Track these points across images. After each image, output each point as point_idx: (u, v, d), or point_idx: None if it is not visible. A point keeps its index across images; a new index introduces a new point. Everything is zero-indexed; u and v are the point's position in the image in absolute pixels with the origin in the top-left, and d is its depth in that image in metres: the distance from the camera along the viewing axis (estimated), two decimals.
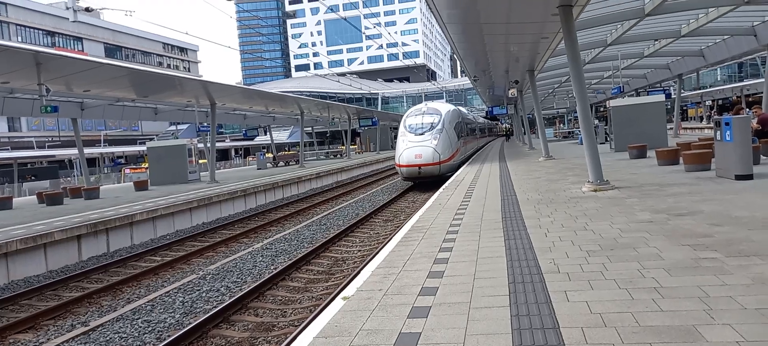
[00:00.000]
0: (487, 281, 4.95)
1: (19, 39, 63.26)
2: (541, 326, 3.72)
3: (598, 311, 3.90)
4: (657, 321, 3.61)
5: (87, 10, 15.90)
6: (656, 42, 23.48)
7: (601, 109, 54.08)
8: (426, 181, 19.93)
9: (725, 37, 21.96)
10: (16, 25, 65.15)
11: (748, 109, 16.42)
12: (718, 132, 10.42)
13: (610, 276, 4.73)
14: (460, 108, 30.17)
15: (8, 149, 46.51)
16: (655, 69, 32.09)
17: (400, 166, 19.97)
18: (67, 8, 16.08)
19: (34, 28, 67.58)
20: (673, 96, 32.75)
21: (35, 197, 21.99)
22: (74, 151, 34.29)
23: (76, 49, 69.78)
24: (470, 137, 30.73)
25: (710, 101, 56.85)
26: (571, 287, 4.53)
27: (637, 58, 27.00)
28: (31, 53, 14.02)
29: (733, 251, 5.16)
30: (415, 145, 19.79)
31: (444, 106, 23.09)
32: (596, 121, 32.60)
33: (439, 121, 20.86)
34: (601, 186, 10.51)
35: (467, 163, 24.02)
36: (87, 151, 33.84)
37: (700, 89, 52.41)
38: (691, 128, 40.85)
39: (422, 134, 20.27)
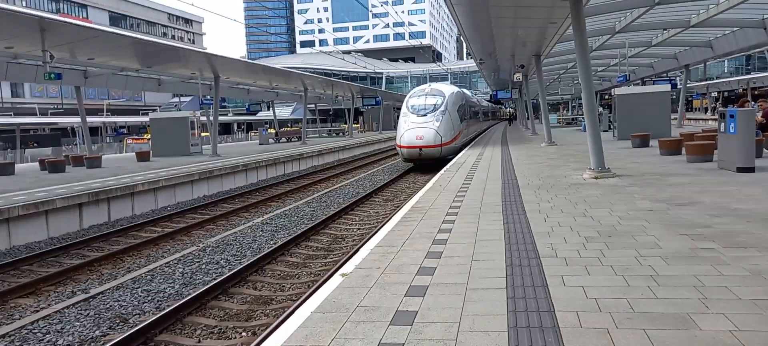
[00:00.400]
0: (485, 262, 4.99)
1: (24, 3, 62.83)
2: (537, 308, 3.76)
3: (594, 296, 3.94)
4: (652, 308, 3.64)
5: None
6: (665, 31, 23.28)
7: (606, 96, 53.80)
8: (427, 163, 19.73)
9: (734, 28, 21.77)
10: None
11: (753, 103, 16.35)
12: (722, 124, 10.39)
13: (607, 263, 4.76)
14: (464, 90, 29.75)
15: (11, 115, 46.50)
16: (663, 58, 31.86)
17: (400, 146, 19.70)
18: None
19: None
20: (679, 86, 32.56)
21: (37, 163, 22.04)
22: (77, 119, 34.26)
23: (81, 17, 69.34)
24: (473, 120, 30.27)
25: (716, 93, 56.50)
26: (568, 272, 4.57)
27: (644, 46, 26.81)
28: (36, 18, 13.95)
29: (731, 242, 5.18)
30: (416, 126, 19.50)
31: (448, 88, 22.80)
32: (601, 109, 32.48)
33: (443, 102, 20.56)
34: (603, 173, 10.52)
35: (470, 146, 23.81)
36: (90, 119, 33.83)
37: (706, 80, 52.07)
38: (696, 119, 40.68)
39: (424, 115, 19.97)
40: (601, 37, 23.03)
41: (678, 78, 35.58)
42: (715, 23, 19.98)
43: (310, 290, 6.64)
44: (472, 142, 26.65)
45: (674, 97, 32.36)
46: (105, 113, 53.79)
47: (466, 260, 5.09)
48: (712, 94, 57.90)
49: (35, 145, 38.21)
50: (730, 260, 4.62)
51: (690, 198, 7.65)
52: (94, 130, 42.08)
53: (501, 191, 9.36)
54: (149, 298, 7.00)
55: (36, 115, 49.48)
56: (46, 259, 9.62)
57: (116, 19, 78.63)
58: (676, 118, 30.15)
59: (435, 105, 20.43)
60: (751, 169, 9.82)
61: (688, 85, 34.64)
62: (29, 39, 15.28)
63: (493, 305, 3.89)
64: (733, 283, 4.06)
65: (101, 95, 63.54)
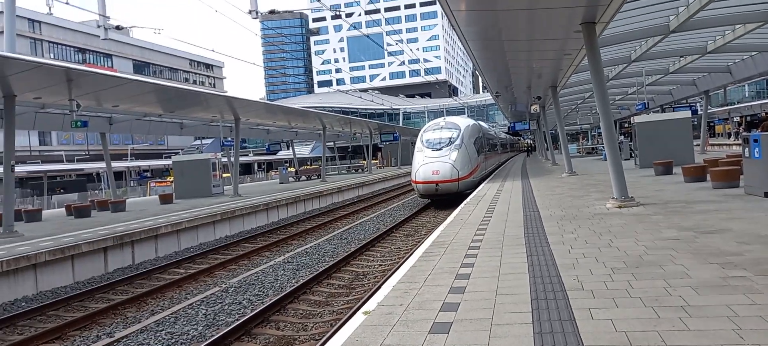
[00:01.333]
0: (510, 297, 4.91)
1: (52, 55, 65.25)
2: (565, 343, 3.68)
3: (623, 329, 3.84)
4: (685, 341, 3.54)
5: (117, 28, 16.35)
6: (681, 58, 23.14)
7: (626, 125, 53.37)
8: (443, 198, 19.18)
9: (753, 53, 21.55)
10: (49, 42, 67.22)
11: None
12: (747, 149, 10.21)
13: (636, 294, 4.65)
14: (480, 123, 29.48)
15: (38, 162, 47.77)
16: (681, 85, 31.59)
17: (416, 182, 19.19)
18: (98, 26, 16.54)
19: (65, 45, 69.65)
20: (699, 112, 32.17)
21: (64, 209, 22.51)
22: (102, 164, 35.06)
23: (106, 66, 71.65)
24: (491, 153, 29.73)
25: (738, 117, 55.69)
26: (596, 304, 4.47)
27: (662, 74, 26.65)
28: (63, 69, 14.45)
29: (762, 270, 5.03)
30: (432, 160, 19.00)
31: (463, 121, 22.37)
32: (621, 137, 32.17)
33: (458, 135, 20.12)
34: (626, 202, 10.36)
35: (488, 179, 23.39)
36: (114, 164, 34.57)
37: (727, 105, 51.41)
38: (719, 145, 40.03)
39: (440, 149, 19.53)
40: (617, 66, 22.99)
41: (698, 104, 35.21)
42: (732, 49, 19.82)
43: (333, 329, 6.59)
44: (492, 175, 26.11)
45: (695, 123, 31.98)
46: (129, 158, 54.95)
47: (490, 295, 5.02)
48: (735, 119, 57.08)
49: (62, 191, 39.08)
50: (763, 289, 4.48)
51: (717, 225, 7.48)
52: (118, 175, 42.92)
53: (523, 223, 9.27)
54: (173, 340, 7.00)
55: (62, 161, 50.75)
56: (71, 303, 9.74)
57: (140, 66, 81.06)
58: (698, 144, 29.72)
59: (450, 138, 19.99)
60: None
61: (709, 111, 34.23)
62: (57, 89, 15.80)
63: (520, 340, 3.81)
64: (767, 312, 3.93)
65: (125, 140, 65.04)
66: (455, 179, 18.53)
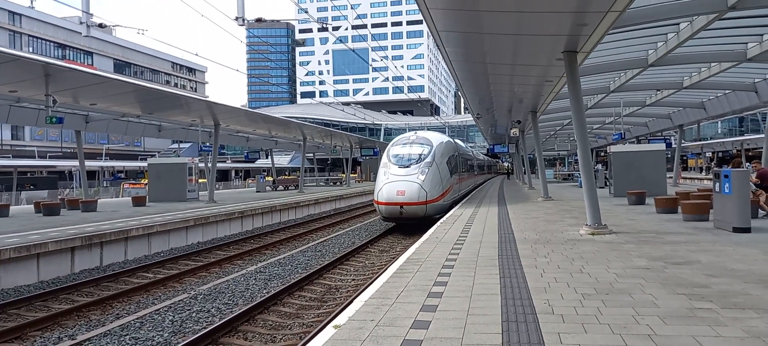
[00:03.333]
0: (481, 317, 4.91)
1: (31, 49, 64.03)
2: None
3: None
4: None
5: (100, 26, 16.10)
6: (658, 92, 23.74)
7: (602, 153, 54.33)
8: (409, 223, 17.13)
9: (727, 91, 22.21)
10: (29, 36, 66.02)
11: (747, 163, 16.51)
12: (718, 184, 10.46)
13: (605, 320, 4.69)
14: (457, 141, 27.34)
15: (9, 157, 46.59)
16: (657, 118, 32.36)
17: (378, 203, 16.79)
18: (81, 23, 16.29)
19: (46, 39, 68.46)
20: (673, 145, 32.95)
21: (33, 206, 21.94)
22: (75, 162, 34.36)
23: (86, 63, 70.56)
24: (467, 174, 27.49)
25: (710, 153, 57.16)
26: (565, 329, 4.50)
27: (639, 106, 27.27)
28: (41, 64, 14.18)
29: (728, 303, 5.13)
30: (398, 179, 16.74)
31: (436, 137, 19.90)
32: (599, 166, 32.71)
33: (430, 152, 17.85)
34: (599, 230, 10.50)
35: (465, 200, 22.40)
36: (88, 163, 33.91)
37: (700, 140, 52.77)
38: (691, 178, 40.97)
39: (408, 166, 17.26)
40: (596, 95, 23.46)
41: (673, 137, 36.08)
42: (707, 86, 20.41)
43: (302, 342, 6.51)
44: (467, 197, 25.11)
45: (669, 155, 32.71)
46: (103, 157, 53.95)
47: (462, 315, 5.01)
48: (707, 154, 58.55)
49: (32, 187, 38.13)
50: (727, 321, 4.56)
51: (687, 257, 7.62)
52: (91, 174, 42.11)
53: (497, 245, 9.32)
54: None
55: (34, 157, 49.61)
56: (34, 303, 9.45)
57: (121, 66, 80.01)
58: (671, 177, 30.38)
59: (420, 155, 17.74)
60: (748, 230, 9.82)
61: (682, 145, 35.07)
62: (34, 83, 15.49)
63: None
64: (732, 345, 4.00)
65: (101, 139, 63.92)
66: (423, 202, 16.34)
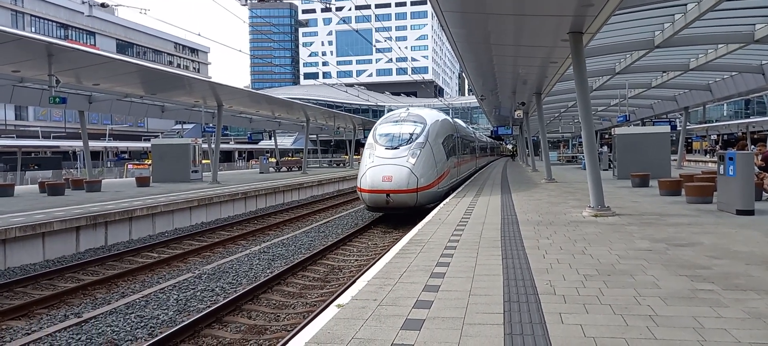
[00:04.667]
0: (483, 298, 4.94)
1: (33, 29, 63.78)
2: (534, 345, 3.71)
3: (592, 335, 3.89)
4: None
5: (102, 5, 16.07)
6: (664, 74, 23.55)
7: (606, 135, 54.13)
8: (397, 213, 15.14)
9: (733, 73, 22.02)
10: (31, 15, 65.71)
11: (752, 146, 16.43)
12: (722, 166, 10.42)
13: (606, 301, 4.72)
14: (457, 120, 24.84)
15: (13, 137, 46.72)
16: (662, 100, 32.16)
17: (361, 190, 14.65)
18: (83, 2, 16.22)
19: (48, 19, 68.16)
20: (678, 128, 32.77)
21: (37, 186, 22.04)
22: (79, 143, 34.42)
23: (89, 43, 70.30)
24: (467, 156, 24.95)
25: (715, 135, 56.85)
26: (567, 309, 4.52)
27: (644, 88, 27.07)
28: (44, 44, 14.15)
29: (730, 284, 5.15)
30: (384, 162, 14.58)
31: (431, 114, 17.37)
32: (604, 148, 32.62)
33: (423, 131, 15.59)
34: (602, 212, 10.50)
35: (465, 184, 20.95)
36: (91, 144, 33.98)
37: (705, 123, 52.47)
38: (695, 161, 40.81)
39: (396, 148, 15.01)
40: (601, 77, 23.29)
41: (678, 120, 35.87)
42: (713, 67, 20.22)
43: (306, 321, 6.57)
44: (469, 180, 23.54)
45: (674, 138, 32.56)
46: (107, 138, 54.03)
47: (464, 295, 5.04)
48: (712, 137, 58.25)
49: (36, 167, 38.30)
50: (729, 302, 4.58)
51: (689, 239, 7.63)
52: (95, 155, 42.21)
53: (500, 226, 9.33)
54: (142, 324, 6.91)
55: (38, 137, 49.71)
56: (40, 281, 9.55)
57: (123, 46, 79.70)
58: (675, 159, 30.26)
59: (412, 134, 15.46)
60: (751, 212, 9.80)
61: (687, 127, 34.88)
62: (37, 63, 15.47)
63: (490, 341, 3.84)
64: (732, 325, 4.02)
65: (104, 120, 63.96)
66: (413, 189, 14.16)
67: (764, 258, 6.26)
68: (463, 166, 22.50)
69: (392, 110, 19.29)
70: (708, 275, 5.54)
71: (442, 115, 18.33)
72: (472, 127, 47.14)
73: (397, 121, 16.45)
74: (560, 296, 4.91)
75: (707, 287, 5.06)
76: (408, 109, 17.54)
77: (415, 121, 16.17)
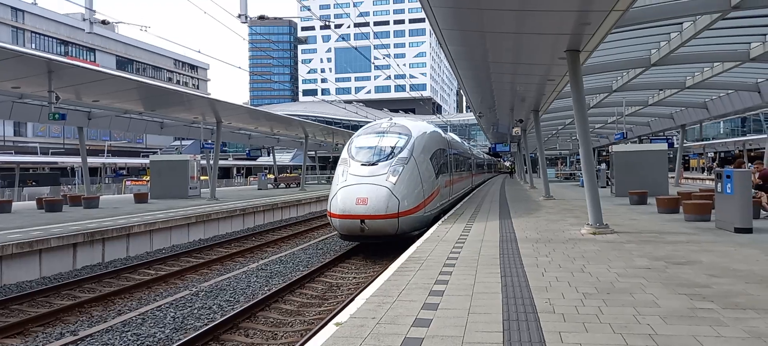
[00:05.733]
0: (482, 316, 4.92)
1: (33, 46, 64.12)
2: None
3: None
4: None
5: (103, 22, 16.13)
6: (661, 92, 23.72)
7: (604, 153, 54.29)
8: (376, 243, 12.80)
9: (729, 91, 22.18)
10: (32, 32, 66.12)
11: (749, 163, 16.48)
12: (719, 184, 10.45)
13: (606, 320, 4.70)
14: (451, 134, 22.66)
15: (12, 153, 46.69)
16: (659, 118, 32.33)
17: (332, 215, 12.15)
18: (84, 19, 16.33)
19: (48, 36, 68.55)
20: (675, 145, 32.91)
21: (34, 202, 21.98)
22: (77, 159, 34.42)
23: (89, 60, 70.63)
24: (463, 174, 22.73)
25: (712, 153, 57.07)
26: (566, 328, 4.50)
27: (641, 105, 27.25)
28: (44, 60, 14.22)
29: (729, 303, 5.13)
30: (359, 181, 12.10)
31: (417, 125, 14.86)
32: (602, 166, 32.73)
33: (406, 144, 13.18)
34: (601, 230, 10.50)
35: (461, 203, 19.72)
36: (90, 160, 33.96)
37: (702, 141, 52.70)
38: (693, 179, 40.91)
39: (374, 164, 12.55)
40: (598, 95, 23.44)
41: (675, 137, 36.04)
42: (709, 86, 20.37)
43: (303, 339, 6.52)
44: (466, 199, 22.37)
45: (671, 155, 32.66)
46: (105, 154, 54.05)
47: (463, 313, 5.02)
48: (709, 154, 58.46)
49: (34, 183, 38.23)
50: (729, 322, 4.56)
51: (688, 257, 7.62)
52: (93, 171, 42.18)
53: (499, 244, 9.32)
54: (138, 342, 6.85)
55: (37, 153, 49.70)
56: (36, 299, 9.48)
57: (123, 63, 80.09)
58: (673, 177, 30.34)
59: (394, 148, 13.04)
60: (749, 230, 9.81)
61: (685, 145, 35.02)
62: (37, 80, 15.53)
63: None
64: (733, 345, 4.00)
65: (103, 136, 64.04)
66: (393, 214, 11.70)
67: (763, 276, 6.25)
68: (457, 184, 20.18)
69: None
70: (707, 293, 5.53)
71: (431, 127, 16.05)
72: (472, 144, 46.90)
73: (377, 133, 14.06)
74: (559, 315, 4.89)
75: (707, 306, 5.04)
76: (392, 119, 15.12)
77: (398, 133, 13.78)
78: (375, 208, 11.64)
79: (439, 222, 13.48)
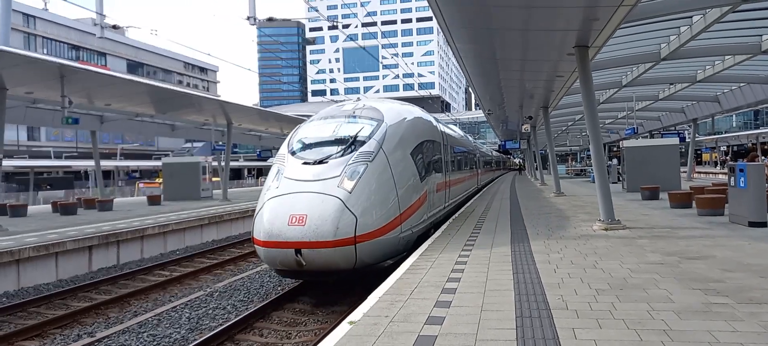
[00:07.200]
0: (495, 313, 4.94)
1: (45, 51, 64.83)
2: None
3: None
4: None
5: (114, 27, 16.30)
6: (671, 86, 23.50)
7: (615, 148, 53.90)
8: (324, 280, 9.10)
9: (741, 84, 21.94)
10: (43, 37, 66.85)
11: (763, 157, 16.32)
12: (733, 178, 10.37)
13: (619, 316, 4.70)
14: (451, 126, 19.08)
15: (26, 158, 47.25)
16: (670, 112, 32.04)
17: (256, 242, 7.93)
18: (94, 24, 16.52)
19: (60, 41, 69.29)
20: (687, 139, 32.60)
21: (50, 206, 22.26)
22: (90, 162, 34.75)
23: (100, 64, 71.29)
24: (465, 173, 18.77)
25: (725, 147, 56.47)
26: (579, 324, 4.51)
27: (652, 100, 27.01)
28: (57, 65, 14.39)
29: (744, 297, 5.11)
30: (295, 188, 8.05)
31: (393, 107, 10.33)
32: (613, 161, 32.53)
33: (374, 133, 8.97)
34: (612, 225, 10.45)
35: (470, 201, 18.40)
36: (103, 163, 34.30)
37: (715, 134, 52.15)
38: (705, 173, 40.52)
39: (322, 163, 8.39)
40: (608, 90, 23.29)
41: (686, 131, 35.71)
42: (721, 79, 20.17)
43: (318, 339, 6.58)
44: (474, 198, 21.02)
45: (683, 150, 32.37)
46: (118, 157, 54.53)
47: (476, 310, 5.05)
48: (722, 148, 57.84)
49: (48, 187, 38.65)
50: (744, 316, 4.55)
51: (701, 252, 7.58)
52: (106, 174, 42.54)
53: (510, 241, 9.32)
54: (155, 343, 6.95)
55: (50, 158, 50.25)
56: (53, 301, 9.63)
57: (134, 66, 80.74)
58: (685, 171, 30.07)
59: (355, 139, 8.85)
60: (763, 224, 9.72)
61: (696, 139, 34.69)
62: (50, 85, 15.71)
63: None
64: (748, 339, 3.99)
65: (115, 139, 64.59)
66: (347, 240, 7.58)
67: None
68: (457, 187, 15.76)
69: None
70: (722, 288, 5.51)
71: (415, 111, 11.33)
72: (479, 141, 46.37)
73: (333, 117, 9.80)
74: (572, 311, 4.90)
75: (721, 301, 5.03)
76: (359, 99, 11.39)
77: (365, 117, 9.47)
78: (317, 230, 7.43)
79: (452, 218, 13.19)
